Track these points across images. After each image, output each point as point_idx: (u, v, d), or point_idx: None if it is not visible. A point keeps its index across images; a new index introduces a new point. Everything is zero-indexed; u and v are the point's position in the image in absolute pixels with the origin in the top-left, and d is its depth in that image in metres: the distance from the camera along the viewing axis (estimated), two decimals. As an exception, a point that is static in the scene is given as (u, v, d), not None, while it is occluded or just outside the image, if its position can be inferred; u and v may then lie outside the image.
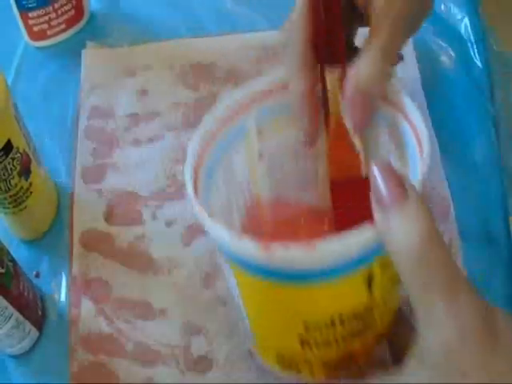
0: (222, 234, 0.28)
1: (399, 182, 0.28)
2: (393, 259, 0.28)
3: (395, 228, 0.27)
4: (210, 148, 0.35)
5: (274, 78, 0.37)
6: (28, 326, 0.43)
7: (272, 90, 0.37)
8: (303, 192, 0.40)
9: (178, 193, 0.50)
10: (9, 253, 0.42)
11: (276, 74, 0.37)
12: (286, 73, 0.36)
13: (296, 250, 0.26)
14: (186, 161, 0.33)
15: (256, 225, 0.38)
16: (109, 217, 0.50)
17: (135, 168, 0.52)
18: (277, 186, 0.40)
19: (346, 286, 0.29)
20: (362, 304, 0.30)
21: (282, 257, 0.26)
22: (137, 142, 0.53)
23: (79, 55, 0.58)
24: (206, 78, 0.55)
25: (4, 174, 0.43)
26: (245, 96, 0.36)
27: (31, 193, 0.46)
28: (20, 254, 0.48)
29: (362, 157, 0.36)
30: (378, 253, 0.29)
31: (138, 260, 0.48)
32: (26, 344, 0.44)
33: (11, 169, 0.43)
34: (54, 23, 0.58)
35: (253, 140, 0.37)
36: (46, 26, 0.58)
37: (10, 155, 0.43)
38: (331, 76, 0.35)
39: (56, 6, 0.57)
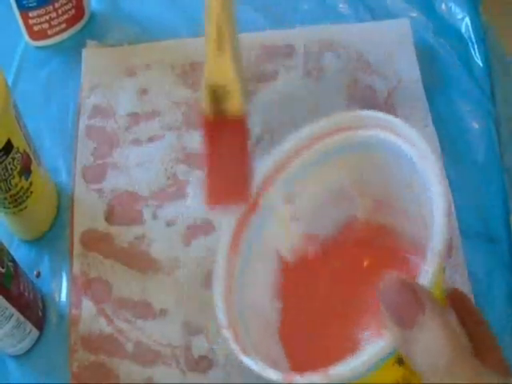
0: (252, 366, 0.31)
1: (413, 296, 0.27)
2: (417, 370, 0.27)
3: (417, 346, 0.26)
4: (243, 233, 0.36)
5: (288, 147, 0.37)
6: (28, 325, 0.43)
7: (290, 157, 0.37)
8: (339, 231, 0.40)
9: (179, 192, 0.50)
10: (9, 253, 0.42)
11: (289, 141, 0.38)
12: None
13: (313, 378, 0.29)
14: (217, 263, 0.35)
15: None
16: (109, 216, 0.50)
17: (136, 168, 0.52)
18: (310, 227, 0.40)
19: (377, 374, 0.29)
20: (399, 374, 0.30)
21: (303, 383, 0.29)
22: (137, 142, 0.53)
23: (79, 55, 0.57)
24: (207, 78, 0.55)
25: (4, 174, 0.43)
26: (268, 171, 0.37)
27: (31, 193, 0.46)
28: (20, 253, 0.48)
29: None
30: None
31: (138, 260, 0.48)
32: (26, 344, 0.44)
33: (11, 169, 0.43)
34: (54, 22, 0.58)
35: (282, 209, 0.38)
36: (46, 25, 0.57)
37: (11, 155, 0.42)
38: None
39: (56, 5, 0.57)
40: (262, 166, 0.37)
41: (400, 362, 0.29)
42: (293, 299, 0.38)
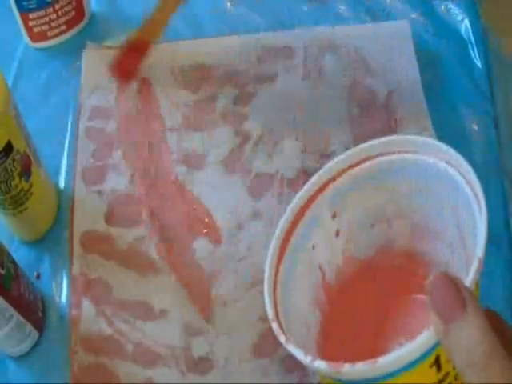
0: (300, 357, 0.32)
1: (457, 293, 0.28)
2: (455, 365, 0.28)
3: (457, 339, 0.28)
4: (288, 244, 0.37)
5: (335, 165, 0.38)
6: (28, 327, 0.43)
7: (336, 174, 0.38)
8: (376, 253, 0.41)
9: (178, 193, 0.50)
10: (9, 254, 0.42)
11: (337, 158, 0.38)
12: None
13: (361, 367, 0.30)
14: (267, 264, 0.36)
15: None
16: (109, 218, 0.50)
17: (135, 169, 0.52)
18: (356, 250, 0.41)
19: (415, 374, 0.30)
20: (434, 380, 0.31)
21: (350, 372, 0.30)
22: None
23: (79, 56, 0.58)
24: (206, 79, 0.55)
25: (4, 176, 0.43)
26: (312, 188, 0.38)
27: (31, 194, 0.46)
28: (20, 255, 0.48)
29: None
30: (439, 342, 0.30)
31: (138, 261, 0.48)
32: (26, 345, 0.44)
33: (11, 170, 0.43)
34: (54, 24, 0.58)
35: (328, 223, 0.39)
36: (46, 26, 0.58)
37: (11, 156, 0.43)
38: None
39: (56, 7, 0.57)
40: (310, 181, 0.38)
41: (438, 366, 0.30)
42: (331, 314, 0.39)
